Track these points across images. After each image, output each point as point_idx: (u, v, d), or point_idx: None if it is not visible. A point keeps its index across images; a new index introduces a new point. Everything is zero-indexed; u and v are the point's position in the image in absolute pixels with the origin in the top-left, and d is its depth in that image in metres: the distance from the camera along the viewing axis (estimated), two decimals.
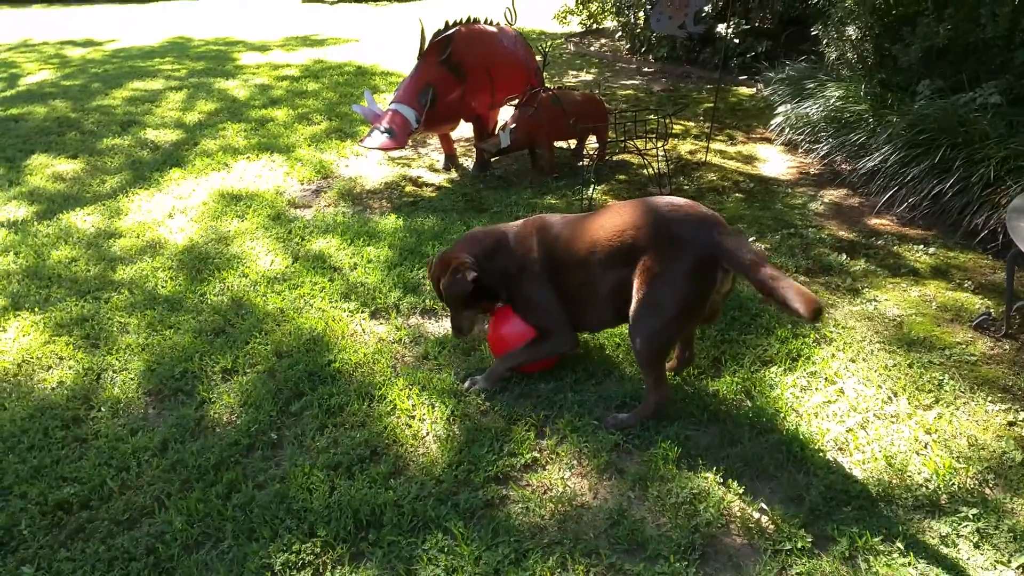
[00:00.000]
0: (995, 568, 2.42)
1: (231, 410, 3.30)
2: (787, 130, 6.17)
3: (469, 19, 5.93)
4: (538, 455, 2.97)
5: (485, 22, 6.12)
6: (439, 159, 6.56)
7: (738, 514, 2.65)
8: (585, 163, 6.29)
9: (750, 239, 4.67)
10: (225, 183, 6.08)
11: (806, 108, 6.01)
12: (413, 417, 3.21)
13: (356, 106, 5.75)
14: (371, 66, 10.55)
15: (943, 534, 2.54)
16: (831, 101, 5.74)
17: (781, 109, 6.48)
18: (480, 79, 5.77)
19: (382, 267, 4.51)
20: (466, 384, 3.35)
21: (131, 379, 3.52)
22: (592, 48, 11.77)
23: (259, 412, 3.25)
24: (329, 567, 2.49)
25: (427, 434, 3.12)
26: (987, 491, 2.73)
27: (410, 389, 3.37)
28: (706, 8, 8.11)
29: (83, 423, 3.22)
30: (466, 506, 2.71)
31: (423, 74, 5.53)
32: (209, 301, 4.21)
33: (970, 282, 4.14)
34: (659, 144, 5.61)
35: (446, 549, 2.53)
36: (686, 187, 5.59)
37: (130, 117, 7.99)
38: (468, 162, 6.50)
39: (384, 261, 4.59)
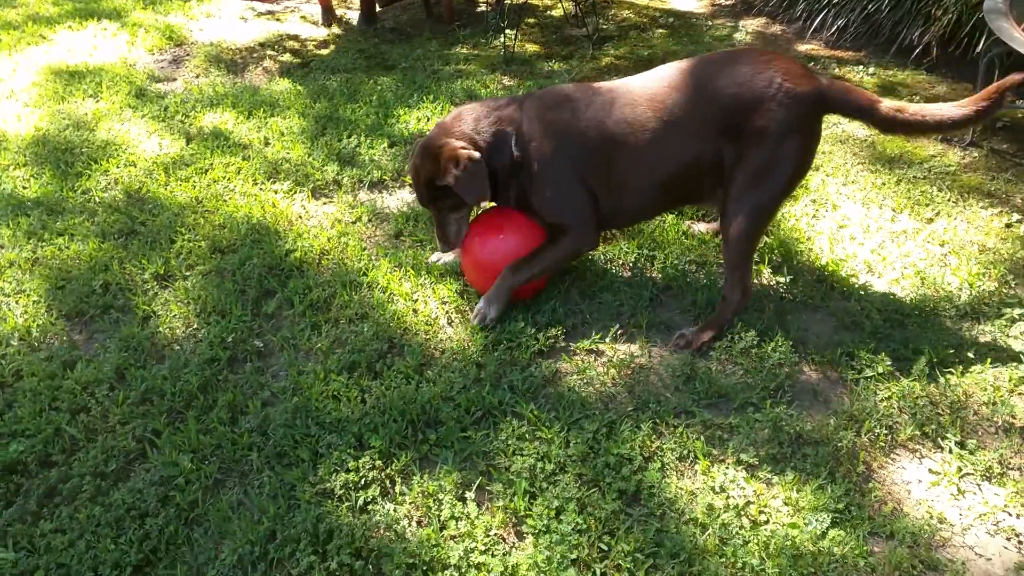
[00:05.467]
0: None
1: (187, 322, 2.70)
2: None
3: None
4: (576, 321, 2.67)
5: None
6: (313, 13, 5.69)
7: (804, 350, 2.51)
8: (488, 8, 5.69)
9: None
10: (51, 58, 4.94)
11: None
12: (416, 300, 2.77)
13: None
14: None
15: (995, 336, 2.55)
16: None
17: None
18: None
19: (302, 139, 3.85)
20: (474, 319, 2.60)
21: (36, 301, 2.79)
22: None
23: (228, 319, 2.67)
24: (399, 480, 2.10)
25: (440, 317, 2.71)
26: (1017, 292, 2.76)
27: (399, 271, 2.90)
28: None
29: None
30: (525, 387, 2.38)
31: None
32: (97, 199, 3.40)
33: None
34: None
35: (526, 436, 2.21)
36: (605, 27, 5.20)
37: None
38: (349, 15, 5.69)
39: (301, 132, 3.92)
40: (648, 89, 2.53)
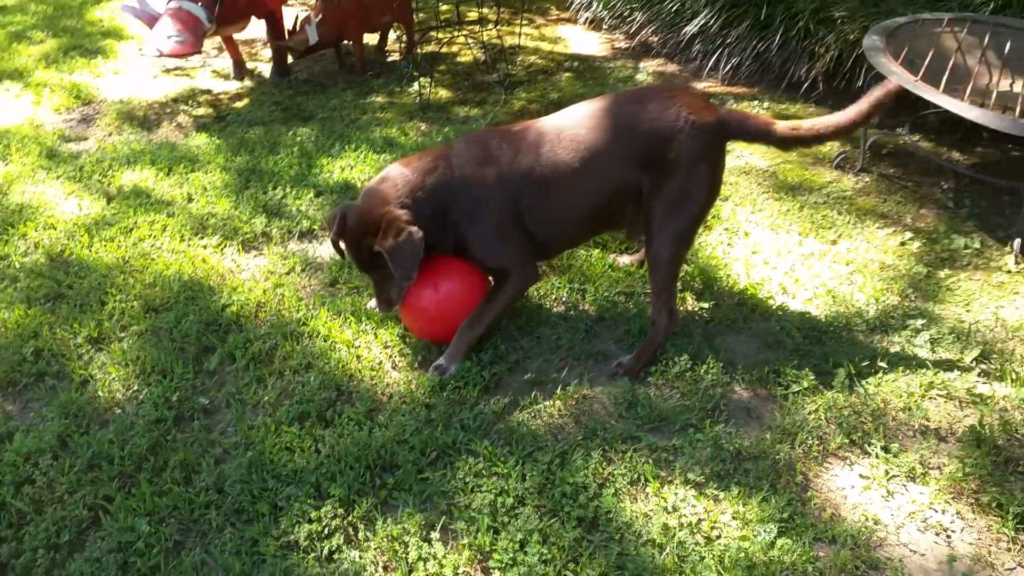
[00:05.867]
0: (955, 368, 2.68)
1: (127, 384, 2.65)
2: (593, 5, 6.14)
3: None
4: (518, 356, 2.76)
5: None
6: (224, 67, 5.66)
7: (734, 370, 2.68)
8: (398, 58, 5.80)
9: None
10: None
11: None
12: (359, 347, 2.81)
13: (124, 6, 4.72)
14: None
15: (903, 346, 2.78)
16: None
17: None
18: None
19: (226, 193, 3.83)
20: (433, 372, 2.65)
21: None
22: None
23: (169, 378, 2.64)
24: (362, 526, 2.12)
25: (384, 362, 2.75)
26: (917, 304, 3.03)
27: (339, 319, 2.93)
28: None
29: None
30: (476, 424, 2.45)
31: None
32: (18, 264, 3.30)
33: None
34: (480, 29, 5.32)
35: (483, 472, 2.27)
36: (514, 73, 5.38)
37: None
38: (261, 68, 5.69)
39: (225, 186, 3.90)
40: (569, 130, 2.71)
